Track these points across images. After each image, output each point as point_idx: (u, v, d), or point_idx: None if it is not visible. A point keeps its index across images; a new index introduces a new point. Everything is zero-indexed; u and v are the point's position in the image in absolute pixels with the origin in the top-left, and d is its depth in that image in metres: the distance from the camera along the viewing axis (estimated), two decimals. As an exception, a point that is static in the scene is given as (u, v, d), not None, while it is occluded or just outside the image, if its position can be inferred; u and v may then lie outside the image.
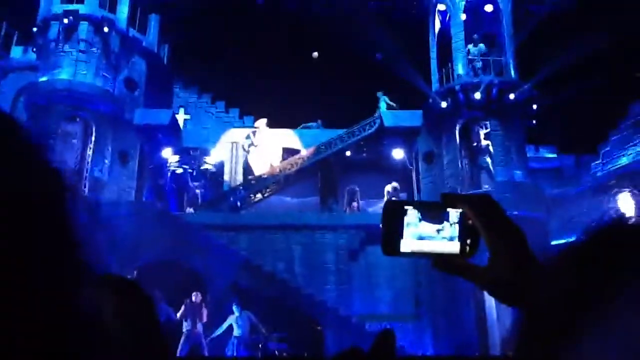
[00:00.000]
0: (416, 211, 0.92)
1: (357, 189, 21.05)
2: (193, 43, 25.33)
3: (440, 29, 22.37)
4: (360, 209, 21.09)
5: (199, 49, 25.70)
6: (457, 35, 21.37)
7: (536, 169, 20.81)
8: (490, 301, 17.10)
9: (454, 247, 0.91)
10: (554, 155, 23.43)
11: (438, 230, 0.91)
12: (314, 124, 23.69)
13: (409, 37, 22.45)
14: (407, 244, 0.92)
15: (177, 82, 24.76)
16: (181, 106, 23.87)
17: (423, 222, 0.92)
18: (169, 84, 24.33)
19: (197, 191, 20.76)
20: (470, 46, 20.99)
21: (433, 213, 0.92)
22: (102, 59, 20.82)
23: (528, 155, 20.80)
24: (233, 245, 17.78)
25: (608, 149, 19.94)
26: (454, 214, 0.91)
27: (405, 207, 0.93)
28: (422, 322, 18.07)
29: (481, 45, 21.02)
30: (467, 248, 0.91)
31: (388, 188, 20.49)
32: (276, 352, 15.46)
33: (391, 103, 22.72)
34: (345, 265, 18.87)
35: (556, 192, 19.32)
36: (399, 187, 20.62)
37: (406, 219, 0.92)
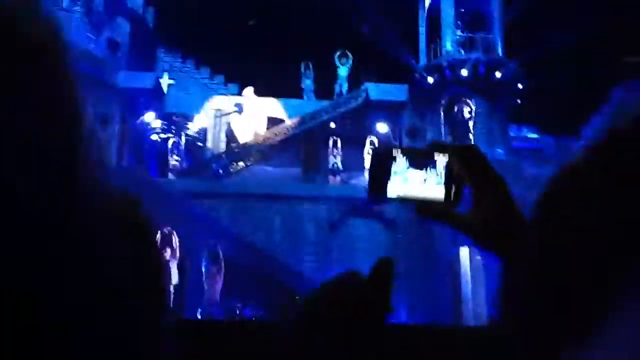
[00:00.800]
0: (404, 158, 0.93)
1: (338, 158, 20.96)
2: (179, 6, 24.87)
3: (430, 5, 22.22)
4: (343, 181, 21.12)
5: (185, 13, 25.25)
6: (447, 12, 21.27)
7: (518, 148, 20.98)
8: (466, 276, 17.38)
9: (439, 194, 0.92)
10: (536, 136, 23.62)
11: (425, 179, 0.92)
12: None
13: (398, 12, 22.29)
14: (394, 189, 0.93)
15: (162, 46, 24.33)
16: (165, 70, 23.51)
17: (410, 169, 0.93)
18: (153, 48, 23.93)
19: (179, 158, 20.57)
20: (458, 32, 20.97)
21: (420, 160, 0.93)
22: (84, 18, 20.38)
23: (511, 134, 20.95)
24: (214, 213, 17.74)
25: (589, 131, 20.13)
26: (440, 161, 0.92)
27: (393, 154, 0.94)
28: (398, 296, 18.28)
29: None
30: (452, 195, 0.92)
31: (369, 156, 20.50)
32: (254, 318, 15.60)
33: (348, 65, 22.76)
34: (325, 236, 18.96)
35: (537, 172, 19.53)
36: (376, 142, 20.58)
37: (394, 166, 0.93)
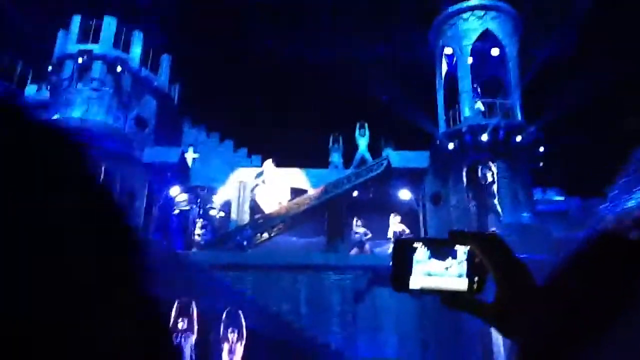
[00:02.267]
0: (425, 248, 0.95)
1: (368, 232, 20.88)
2: (203, 83, 25.81)
3: (447, 72, 22.66)
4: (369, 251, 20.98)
5: (209, 89, 26.17)
6: (464, 78, 21.63)
7: (543, 211, 20.74)
8: (498, 346, 16.85)
9: (462, 284, 0.93)
10: (561, 198, 23.38)
11: (446, 267, 0.94)
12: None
13: (416, 80, 22.81)
14: (416, 281, 0.95)
15: (187, 121, 25.06)
16: (190, 145, 24.11)
17: (432, 259, 0.94)
18: (179, 123, 24.64)
19: (203, 230, 20.75)
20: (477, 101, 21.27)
21: (441, 250, 0.95)
22: (114, 97, 21.17)
23: (535, 197, 20.77)
24: (238, 285, 17.70)
25: (616, 192, 19.89)
26: (461, 251, 0.94)
27: (414, 245, 0.96)
28: (428, 366, 17.77)
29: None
30: (475, 285, 0.93)
31: (393, 223, 20.40)
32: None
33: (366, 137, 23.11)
34: (351, 306, 18.70)
35: (563, 235, 19.21)
36: (406, 230, 20.56)
37: (415, 256, 0.95)
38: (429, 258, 0.95)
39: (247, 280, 18.22)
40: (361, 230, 20.74)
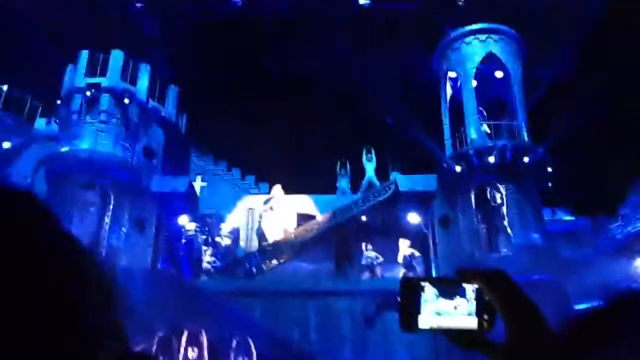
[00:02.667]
0: (433, 287, 0.94)
1: (379, 257, 20.77)
2: (210, 113, 26.05)
3: (452, 95, 22.77)
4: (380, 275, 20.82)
5: (216, 118, 26.39)
6: (469, 101, 21.72)
7: (553, 231, 20.56)
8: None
9: (472, 323, 0.93)
10: (571, 218, 23.20)
11: (455, 307, 0.93)
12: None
13: (422, 104, 22.92)
14: (425, 320, 0.94)
15: (194, 150, 25.26)
16: (198, 174, 24.26)
17: (440, 298, 0.94)
18: (186, 152, 24.84)
19: (212, 258, 20.73)
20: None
21: (450, 289, 0.94)
22: (122, 129, 21.40)
23: (545, 218, 20.62)
24: (248, 312, 17.58)
25: (627, 210, 19.75)
26: (470, 289, 0.93)
27: (422, 284, 0.95)
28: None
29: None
30: (485, 323, 0.92)
31: (403, 248, 20.29)
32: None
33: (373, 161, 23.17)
34: (361, 332, 18.48)
35: (574, 255, 19.02)
36: (416, 254, 20.43)
37: (423, 295, 0.94)
38: (437, 297, 0.94)
39: (256, 307, 18.09)
40: (372, 254, 20.62)
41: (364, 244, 20.80)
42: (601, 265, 17.52)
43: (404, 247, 20.39)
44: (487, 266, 0.94)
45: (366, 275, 20.45)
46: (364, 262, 20.64)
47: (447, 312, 0.93)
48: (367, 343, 18.26)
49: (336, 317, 18.61)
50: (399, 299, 0.95)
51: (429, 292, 0.94)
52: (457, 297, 0.94)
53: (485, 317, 0.92)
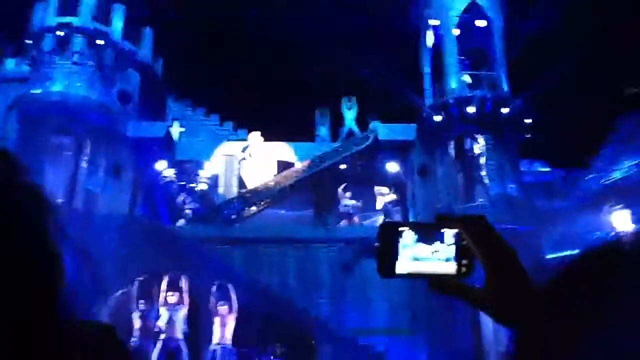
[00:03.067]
0: (412, 232, 0.93)
1: (357, 204, 20.96)
2: (187, 56, 25.42)
3: (434, 43, 22.55)
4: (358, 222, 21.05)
5: (193, 62, 25.78)
6: (450, 50, 21.56)
7: (529, 182, 20.91)
8: (487, 316, 17.09)
9: (450, 268, 0.92)
10: (547, 169, 23.59)
11: (434, 252, 0.92)
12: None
13: (402, 53, 22.67)
14: (403, 265, 0.92)
15: (171, 95, 24.75)
16: (175, 119, 23.85)
17: (419, 243, 0.92)
18: (163, 97, 24.32)
19: (190, 204, 20.66)
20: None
21: (429, 234, 0.93)
22: (96, 71, 20.79)
23: (521, 169, 20.93)
24: (226, 259, 17.69)
25: (601, 163, 20.12)
26: (449, 234, 0.92)
27: (401, 229, 0.93)
28: (418, 336, 18.00)
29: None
30: (463, 269, 0.92)
31: (381, 195, 20.54)
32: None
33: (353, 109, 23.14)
34: (340, 278, 18.82)
35: (548, 206, 19.43)
36: (393, 200, 20.69)
37: (402, 241, 0.92)
38: (416, 242, 0.92)
39: (235, 254, 18.22)
40: (350, 202, 20.81)
41: (341, 192, 20.93)
42: (574, 217, 17.96)
43: (383, 195, 20.62)
44: (468, 214, 0.93)
45: (344, 222, 20.68)
46: (341, 209, 20.85)
47: (425, 258, 0.92)
48: (345, 289, 18.63)
49: (315, 263, 18.88)
50: (377, 244, 0.94)
51: (407, 237, 0.93)
52: (436, 242, 0.92)
53: (464, 262, 0.91)
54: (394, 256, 0.93)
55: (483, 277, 0.85)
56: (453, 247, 0.92)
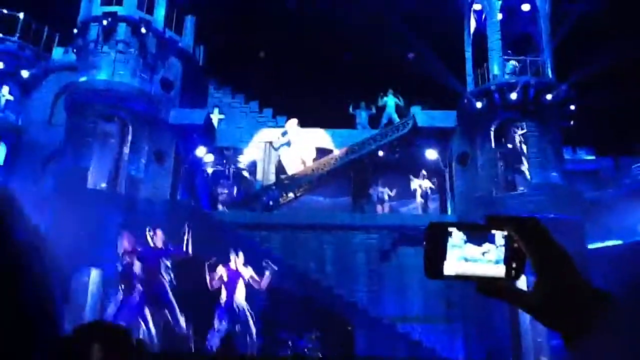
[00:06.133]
0: (461, 233, 0.91)
1: (390, 192, 20.89)
2: (228, 44, 25.63)
3: (476, 29, 22.12)
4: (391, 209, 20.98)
5: (234, 49, 26.00)
6: (493, 35, 21.09)
7: (573, 170, 20.37)
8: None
9: (500, 271, 0.90)
10: (592, 157, 22.91)
11: (483, 253, 0.90)
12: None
13: (444, 37, 22.30)
14: (451, 267, 0.91)
15: (212, 82, 25.03)
16: (215, 106, 24.13)
17: (468, 244, 0.91)
18: (204, 84, 24.62)
19: (230, 190, 20.93)
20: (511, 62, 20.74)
21: (478, 235, 0.91)
22: (139, 59, 21.19)
23: (565, 157, 20.39)
24: (265, 245, 17.91)
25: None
26: (499, 236, 0.90)
27: (449, 229, 0.92)
28: (454, 325, 17.88)
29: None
30: (513, 272, 0.90)
31: (419, 182, 20.46)
32: (306, 350, 15.51)
33: (399, 102, 22.79)
34: (377, 266, 18.82)
35: (594, 195, 18.90)
36: (431, 187, 20.56)
37: (450, 241, 0.91)
38: (465, 243, 0.91)
39: (274, 240, 18.42)
40: (384, 190, 20.80)
41: (378, 180, 20.89)
42: (620, 206, 17.43)
43: (421, 181, 20.48)
44: (518, 214, 0.90)
45: (379, 209, 20.63)
46: (375, 197, 20.80)
47: (474, 259, 0.90)
48: (382, 276, 18.62)
49: (352, 251, 18.92)
50: (425, 243, 0.91)
51: (456, 237, 0.91)
52: (486, 243, 0.90)
53: (514, 265, 0.89)
54: (442, 257, 0.91)
55: (534, 281, 0.83)
56: (503, 249, 0.89)
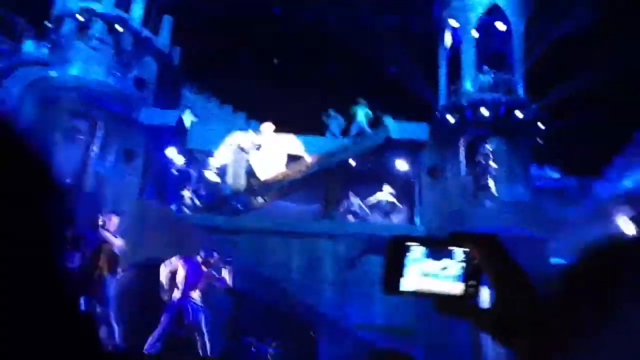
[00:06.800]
0: (422, 247, 0.90)
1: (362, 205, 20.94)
2: (203, 46, 25.54)
3: (452, 45, 22.44)
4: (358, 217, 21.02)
5: (209, 52, 25.92)
6: (468, 52, 21.43)
7: (540, 187, 20.74)
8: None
9: (457, 288, 0.89)
10: (558, 176, 23.37)
11: (442, 268, 0.90)
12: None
13: (419, 52, 22.57)
14: (409, 282, 0.90)
15: (186, 84, 24.88)
16: (189, 107, 23.98)
17: (428, 259, 0.90)
18: (178, 86, 24.47)
19: (194, 193, 20.74)
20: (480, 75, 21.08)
21: (438, 250, 0.90)
22: (114, 57, 20.99)
23: (533, 174, 20.76)
24: (232, 248, 17.76)
25: (612, 172, 19.89)
26: (459, 252, 0.90)
27: (410, 244, 0.90)
28: (416, 337, 17.94)
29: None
30: (470, 289, 0.90)
31: (383, 193, 20.50)
32: (269, 356, 15.41)
33: (369, 113, 22.92)
34: (343, 273, 18.83)
35: (559, 213, 19.24)
36: (392, 199, 20.58)
37: (410, 255, 0.90)
38: (425, 257, 0.90)
39: (240, 244, 18.30)
40: (356, 201, 20.84)
41: (350, 191, 20.94)
42: (584, 224, 17.78)
43: (384, 193, 20.54)
44: (478, 231, 0.89)
45: (350, 218, 20.68)
46: (346, 207, 20.79)
47: (433, 274, 0.90)
48: (348, 284, 18.63)
49: (319, 258, 18.90)
50: (384, 257, 0.91)
51: (416, 252, 0.90)
52: (445, 259, 0.90)
53: (471, 282, 0.89)
54: (400, 272, 0.89)
55: (491, 299, 0.82)
56: (462, 266, 0.89)
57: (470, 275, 0.89)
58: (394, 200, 20.82)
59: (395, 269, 0.90)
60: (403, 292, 0.90)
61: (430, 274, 0.89)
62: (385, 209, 20.60)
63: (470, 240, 0.88)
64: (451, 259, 0.90)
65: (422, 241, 0.90)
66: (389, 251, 0.91)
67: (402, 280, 0.90)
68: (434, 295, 0.89)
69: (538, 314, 0.79)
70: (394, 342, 17.29)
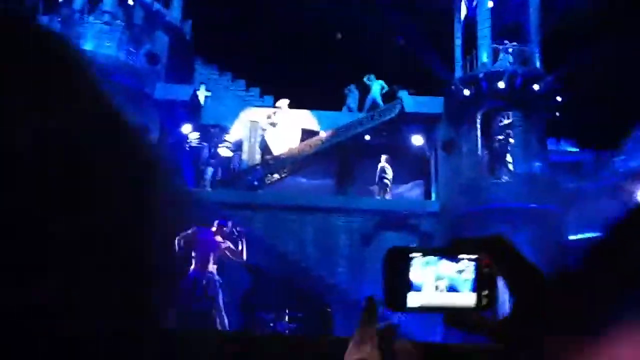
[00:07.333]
0: (424, 258, 0.82)
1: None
2: (216, 20, 25.26)
3: (467, 16, 22.06)
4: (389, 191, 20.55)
5: (222, 26, 25.63)
6: (483, 23, 21.06)
7: (557, 162, 20.53)
8: (504, 288, 17.02)
9: (469, 300, 0.81)
10: (575, 149, 23.12)
11: (459, 271, 0.81)
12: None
13: (433, 24, 22.20)
14: (416, 297, 0.81)
15: (199, 58, 24.70)
16: (202, 83, 23.84)
17: (443, 260, 0.82)
18: (191, 60, 24.29)
19: (214, 169, 20.76)
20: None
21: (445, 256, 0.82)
22: (125, 32, 20.84)
23: (549, 147, 20.54)
24: (247, 224, 17.82)
25: (631, 145, 19.66)
26: (467, 261, 0.81)
27: (412, 255, 0.82)
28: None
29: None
30: (484, 300, 0.81)
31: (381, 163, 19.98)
32: (287, 331, 15.59)
33: (385, 87, 22.59)
34: (358, 249, 18.88)
35: (575, 187, 19.11)
36: (388, 171, 20.12)
37: (412, 268, 0.81)
38: (439, 259, 0.82)
39: (256, 220, 18.36)
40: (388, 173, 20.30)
41: (383, 161, 20.22)
42: (600, 198, 17.65)
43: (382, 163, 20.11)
44: (484, 235, 0.80)
45: (377, 191, 20.27)
46: (378, 173, 20.21)
47: (450, 277, 0.81)
48: (363, 260, 18.69)
49: (334, 233, 18.95)
50: (383, 271, 0.81)
51: (419, 261, 0.82)
52: (456, 262, 0.81)
53: (484, 292, 0.80)
54: (404, 289, 0.81)
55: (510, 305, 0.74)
56: (472, 276, 0.81)
57: (482, 285, 0.80)
58: (387, 166, 20.32)
59: (398, 283, 0.81)
60: (410, 309, 0.81)
61: (445, 277, 0.80)
62: (379, 178, 20.09)
63: (476, 245, 0.80)
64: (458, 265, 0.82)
65: (424, 251, 0.82)
66: (389, 264, 0.82)
67: (408, 295, 0.81)
68: (444, 310, 0.80)
69: (558, 315, 0.68)
70: (411, 316, 17.41)
